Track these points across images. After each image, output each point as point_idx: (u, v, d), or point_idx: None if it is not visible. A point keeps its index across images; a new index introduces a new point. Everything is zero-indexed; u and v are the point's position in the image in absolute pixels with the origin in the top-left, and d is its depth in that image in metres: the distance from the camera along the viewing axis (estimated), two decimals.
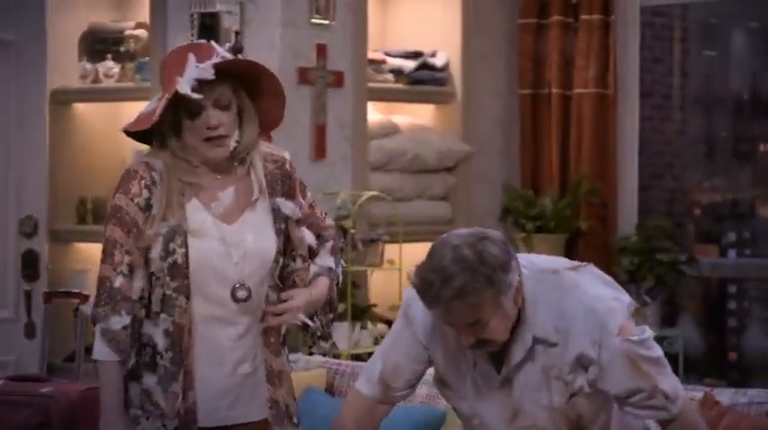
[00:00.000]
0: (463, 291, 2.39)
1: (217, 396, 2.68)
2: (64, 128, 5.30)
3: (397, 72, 5.39)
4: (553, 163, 5.46)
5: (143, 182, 2.67)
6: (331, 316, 2.83)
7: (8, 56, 5.03)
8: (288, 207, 2.71)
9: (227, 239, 2.66)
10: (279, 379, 2.71)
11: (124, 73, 5.25)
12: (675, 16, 6.64)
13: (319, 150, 4.94)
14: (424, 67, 5.43)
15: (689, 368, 5.35)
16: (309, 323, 2.72)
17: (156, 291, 2.64)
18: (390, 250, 5.00)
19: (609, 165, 5.41)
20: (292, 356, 2.97)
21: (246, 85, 2.68)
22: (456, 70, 5.48)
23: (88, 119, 5.40)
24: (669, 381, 2.53)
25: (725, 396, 3.30)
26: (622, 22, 5.42)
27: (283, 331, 2.75)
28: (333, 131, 4.99)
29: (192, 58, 2.61)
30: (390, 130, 5.31)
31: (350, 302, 4.75)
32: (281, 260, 2.69)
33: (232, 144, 2.66)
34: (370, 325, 4.94)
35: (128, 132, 2.75)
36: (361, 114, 5.10)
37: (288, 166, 2.74)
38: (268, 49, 4.80)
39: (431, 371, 2.63)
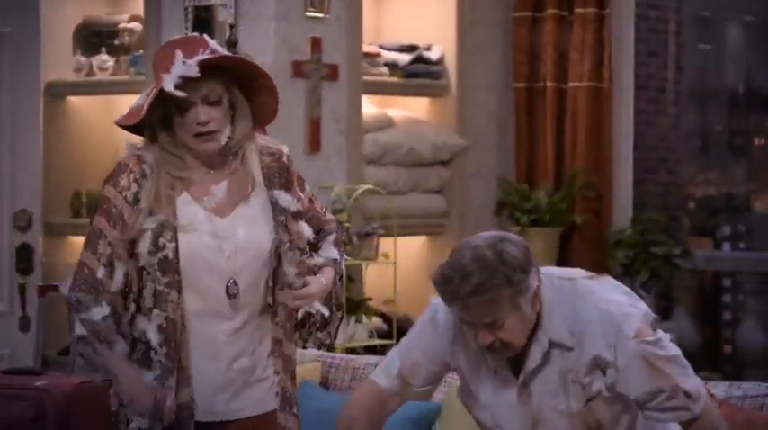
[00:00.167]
0: (481, 288, 2.43)
1: (214, 391, 2.67)
2: (58, 121, 5.29)
3: (392, 65, 5.38)
4: (548, 156, 5.46)
5: (132, 175, 2.67)
6: (339, 314, 2.82)
7: (2, 49, 5.02)
8: (285, 199, 2.70)
9: (219, 233, 2.65)
10: (289, 364, 2.70)
11: (118, 66, 5.24)
12: (670, 9, 6.64)
13: (314, 144, 4.94)
14: (419, 60, 5.43)
15: None
16: (324, 312, 2.71)
17: (147, 286, 2.64)
18: (385, 244, 5.00)
19: (604, 158, 5.41)
20: None
21: (240, 80, 2.67)
22: (451, 64, 5.48)
23: (82, 112, 5.39)
24: (690, 380, 2.54)
25: (719, 389, 3.30)
26: (617, 16, 5.42)
27: (299, 317, 2.73)
28: (327, 125, 4.99)
29: (179, 54, 2.61)
30: (385, 124, 5.31)
31: (344, 296, 4.75)
32: (285, 252, 2.67)
33: (223, 139, 2.65)
34: (364, 318, 4.94)
35: (121, 125, 2.74)
36: (356, 108, 5.10)
37: (285, 159, 2.73)
38: (263, 42, 4.79)
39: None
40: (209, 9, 4.82)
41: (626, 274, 5.30)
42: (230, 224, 2.66)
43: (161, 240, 2.63)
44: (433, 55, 5.46)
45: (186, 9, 4.84)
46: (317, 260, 2.73)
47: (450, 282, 2.45)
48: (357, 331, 4.87)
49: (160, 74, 2.61)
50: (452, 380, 3.42)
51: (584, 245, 5.34)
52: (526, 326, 2.51)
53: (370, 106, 5.29)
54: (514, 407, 2.57)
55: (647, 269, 5.26)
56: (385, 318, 5.08)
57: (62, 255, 5.23)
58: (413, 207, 5.31)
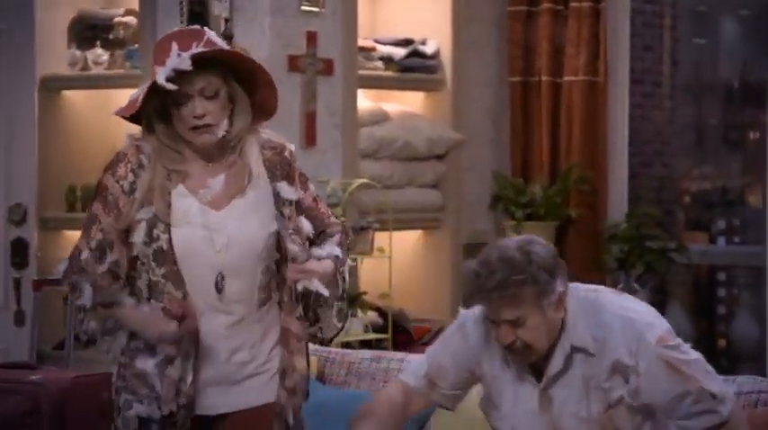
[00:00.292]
0: (505, 284, 2.50)
1: (212, 382, 2.68)
2: (53, 115, 5.29)
3: (388, 60, 5.38)
4: (543, 150, 5.46)
5: (129, 165, 2.68)
6: (339, 317, 2.78)
7: None
8: (286, 190, 2.69)
9: (212, 226, 2.65)
10: (294, 341, 2.69)
11: (113, 60, 5.23)
12: (666, 3, 6.64)
13: (309, 138, 4.93)
14: (415, 54, 5.42)
15: None
16: (323, 291, 2.68)
17: (142, 276, 2.65)
18: (380, 238, 5.00)
19: (599, 152, 5.41)
20: None
21: (240, 74, 2.67)
22: (446, 58, 5.47)
23: (77, 106, 5.38)
24: (715, 382, 2.57)
25: None
26: (612, 10, 5.42)
27: (299, 289, 2.70)
28: (323, 119, 4.98)
29: (174, 46, 2.61)
30: (380, 118, 5.31)
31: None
32: (287, 235, 2.66)
33: (220, 132, 2.65)
34: (360, 313, 4.94)
35: (121, 115, 2.74)
36: (352, 102, 5.09)
37: (287, 154, 2.72)
38: (258, 36, 4.79)
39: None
40: (204, 3, 4.82)
41: (621, 269, 5.30)
42: (224, 217, 2.66)
43: (155, 231, 2.63)
44: (428, 49, 5.46)
45: (181, 3, 4.83)
46: (319, 252, 2.70)
47: (476, 277, 2.52)
48: (352, 325, 4.87)
49: (156, 66, 2.62)
50: None
51: (579, 239, 5.34)
52: (549, 329, 2.55)
53: (366, 100, 5.29)
54: (535, 414, 2.60)
55: (641, 263, 5.27)
56: (380, 312, 5.08)
57: (57, 250, 5.22)
58: (408, 201, 5.32)
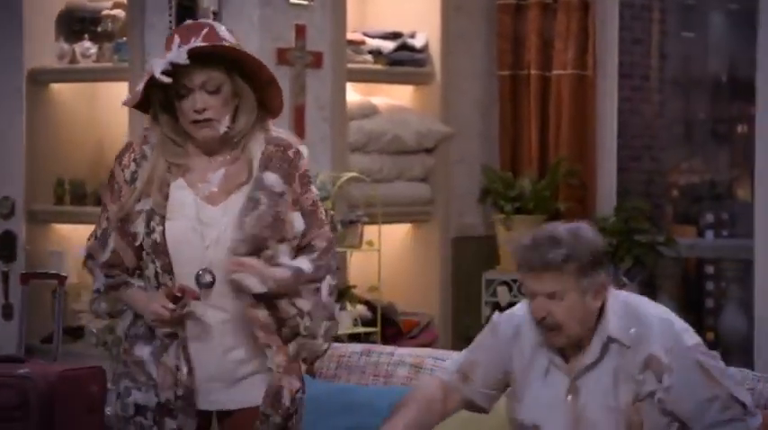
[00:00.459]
0: (550, 257, 2.59)
1: (209, 378, 2.69)
2: (41, 108, 5.27)
3: (376, 53, 5.37)
4: (532, 144, 5.46)
5: (133, 155, 2.70)
6: (325, 321, 2.75)
7: None
8: (270, 178, 2.66)
9: (205, 221, 2.65)
10: (263, 333, 2.66)
11: (102, 53, 5.21)
12: None
13: (298, 131, 4.93)
14: (404, 47, 5.42)
15: None
16: (256, 288, 2.63)
17: (148, 266, 2.67)
18: (369, 231, 5.00)
19: (588, 146, 5.42)
20: None
21: (245, 71, 2.66)
22: (435, 51, 5.47)
23: (66, 99, 5.37)
24: (745, 393, 2.62)
25: None
26: (601, 3, 5.42)
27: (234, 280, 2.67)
28: (312, 112, 4.98)
29: (176, 39, 2.62)
30: (369, 111, 5.30)
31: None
32: (250, 214, 2.64)
33: (221, 128, 2.65)
34: (349, 306, 4.94)
35: (129, 106, 2.76)
36: (340, 95, 5.09)
37: (291, 153, 2.69)
38: (246, 29, 4.77)
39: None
40: None
41: (609, 262, 5.31)
42: (219, 213, 2.66)
43: (152, 223, 2.65)
44: (417, 42, 5.46)
45: None
46: (282, 259, 2.65)
47: (523, 249, 2.61)
48: (342, 319, 4.87)
49: (159, 58, 2.64)
50: (436, 367, 3.43)
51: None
52: (583, 314, 2.60)
53: (355, 94, 5.29)
54: (560, 404, 2.63)
55: (630, 257, 5.27)
56: (369, 305, 5.08)
57: (45, 243, 5.22)
58: (397, 194, 5.31)
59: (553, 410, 2.63)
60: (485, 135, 5.59)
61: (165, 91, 2.64)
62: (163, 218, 2.64)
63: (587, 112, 5.40)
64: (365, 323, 4.98)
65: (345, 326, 4.85)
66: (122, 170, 2.68)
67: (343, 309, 4.91)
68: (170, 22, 4.80)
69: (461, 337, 5.21)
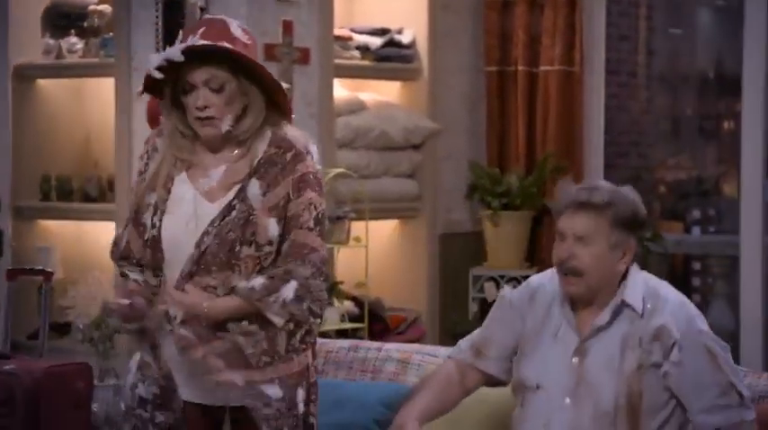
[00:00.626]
0: (593, 196, 2.69)
1: (187, 373, 2.68)
2: (27, 104, 5.25)
3: (364, 49, 5.37)
4: (519, 140, 5.47)
5: (147, 146, 2.74)
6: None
7: None
8: (254, 189, 2.65)
9: (200, 217, 2.66)
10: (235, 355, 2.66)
11: (88, 49, 5.20)
12: None
13: None
14: (391, 43, 5.41)
15: None
16: (162, 325, 2.65)
17: (157, 257, 2.69)
18: (357, 227, 5.00)
19: (575, 142, 5.42)
20: None
21: (251, 72, 2.66)
22: (422, 47, 5.47)
23: (52, 95, 5.35)
24: (744, 388, 2.65)
25: None
26: (588, 0, 5.42)
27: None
28: (299, 108, 4.97)
29: (180, 35, 2.62)
30: (357, 107, 5.30)
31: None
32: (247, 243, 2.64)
33: (224, 126, 2.65)
34: (336, 302, 4.94)
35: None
36: (328, 91, 5.08)
37: (288, 156, 2.67)
38: None
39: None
40: None
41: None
42: (214, 209, 2.66)
43: (155, 218, 2.67)
44: (404, 38, 5.46)
45: None
46: (242, 283, 2.61)
47: (570, 189, 2.74)
48: (329, 315, 4.87)
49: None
50: (424, 363, 3.44)
51: (555, 229, 5.35)
52: (606, 268, 2.66)
53: (342, 90, 5.28)
54: (565, 365, 2.68)
55: None
56: (356, 301, 5.08)
57: (31, 239, 5.20)
58: (384, 190, 5.31)
59: (557, 371, 2.66)
60: (472, 131, 5.59)
61: (174, 85, 2.65)
62: (163, 212, 2.66)
63: (574, 108, 5.40)
64: (352, 319, 4.98)
65: (333, 322, 4.84)
66: (140, 161, 2.73)
67: (330, 304, 4.90)
68: (156, 17, 4.79)
69: (449, 333, 5.21)
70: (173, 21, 4.75)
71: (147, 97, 4.02)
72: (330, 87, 5.10)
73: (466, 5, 5.56)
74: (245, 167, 2.67)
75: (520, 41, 5.44)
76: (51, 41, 5.24)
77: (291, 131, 2.74)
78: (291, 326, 2.64)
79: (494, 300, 5.20)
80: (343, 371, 3.52)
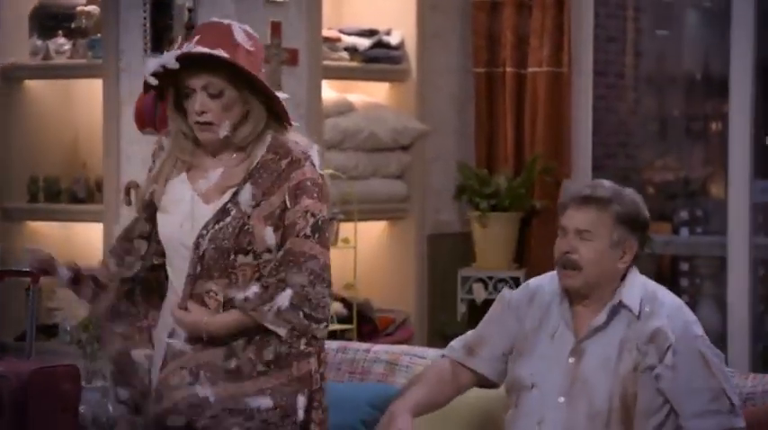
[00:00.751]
0: (597, 191, 2.70)
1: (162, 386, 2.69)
2: (15, 105, 5.24)
3: (352, 50, 5.37)
4: (508, 141, 5.47)
5: (156, 146, 2.77)
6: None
7: None
8: (246, 195, 2.64)
9: (197, 217, 2.67)
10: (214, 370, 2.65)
11: (76, 50, 5.19)
12: None
13: None
14: (379, 45, 5.42)
15: None
16: (174, 344, 2.65)
17: (151, 250, 2.76)
18: (345, 229, 4.99)
19: (563, 143, 5.43)
20: None
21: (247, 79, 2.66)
22: (411, 48, 5.47)
23: (39, 96, 5.34)
24: (736, 395, 2.66)
25: None
26: (576, 1, 5.43)
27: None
28: (288, 110, 4.96)
29: (178, 40, 2.67)
30: (345, 109, 5.30)
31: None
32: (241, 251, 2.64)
33: (222, 132, 2.65)
34: None
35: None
36: (316, 92, 5.08)
37: (284, 163, 2.65)
38: None
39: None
40: None
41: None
42: (209, 211, 2.66)
43: (155, 214, 2.72)
44: (392, 39, 5.46)
45: None
46: (238, 295, 2.61)
47: (575, 185, 2.83)
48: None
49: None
50: (412, 364, 3.44)
51: (543, 230, 5.36)
52: (606, 266, 2.67)
53: (330, 91, 5.28)
54: (561, 363, 2.68)
55: None
56: (345, 302, 5.08)
57: (19, 240, 5.19)
58: (373, 192, 5.31)
59: (553, 370, 2.67)
60: (460, 132, 5.60)
61: (177, 88, 2.67)
62: (162, 210, 2.70)
63: (562, 110, 5.41)
64: (341, 320, 4.98)
65: None
66: (151, 159, 2.77)
67: None
68: (144, 18, 4.78)
69: (437, 334, 5.21)
70: (161, 22, 4.75)
71: (135, 98, 4.03)
72: (318, 88, 5.10)
73: (454, 7, 5.57)
74: (242, 172, 2.67)
75: (508, 43, 5.45)
76: (39, 42, 5.23)
77: (293, 137, 2.73)
78: (296, 335, 2.61)
79: (483, 301, 5.25)
80: (331, 372, 3.50)
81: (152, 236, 2.73)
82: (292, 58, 4.96)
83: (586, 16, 5.50)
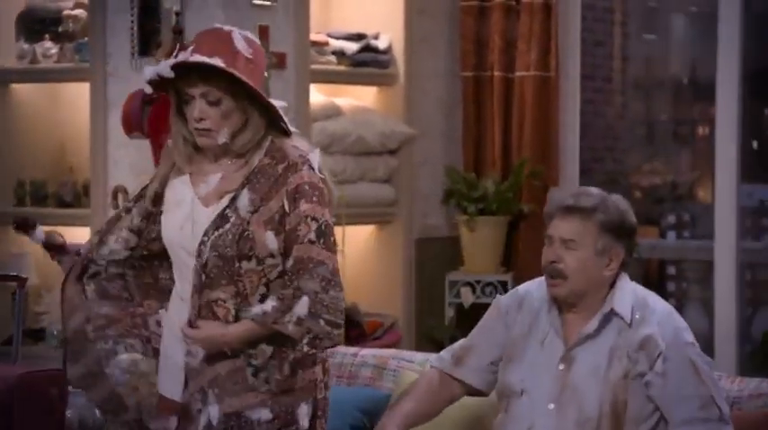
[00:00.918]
0: (581, 200, 2.70)
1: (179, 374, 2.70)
2: (1, 109, 5.23)
3: (340, 54, 5.37)
4: (495, 145, 5.48)
5: (168, 146, 2.78)
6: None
7: None
8: (244, 200, 2.64)
9: (197, 219, 2.68)
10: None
11: (63, 53, 5.18)
12: None
13: None
14: (367, 49, 5.42)
15: None
16: (189, 361, 2.65)
17: (151, 248, 2.80)
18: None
19: (550, 147, 5.43)
20: None
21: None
22: (398, 52, 5.47)
23: (26, 100, 5.32)
24: (724, 404, 2.66)
25: None
26: (564, 5, 5.44)
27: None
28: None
29: (177, 47, 2.69)
30: (333, 113, 5.30)
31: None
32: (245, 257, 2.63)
33: (220, 139, 2.65)
34: None
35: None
36: (304, 96, 5.08)
37: (281, 168, 2.64)
38: None
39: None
40: None
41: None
42: (207, 215, 2.66)
43: (159, 217, 2.73)
44: (380, 44, 5.46)
45: None
46: (254, 311, 2.60)
47: (560, 194, 2.77)
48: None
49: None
50: (400, 368, 3.44)
51: (531, 234, 5.36)
52: (592, 274, 2.67)
53: (318, 95, 5.28)
54: (551, 372, 2.68)
55: None
56: None
57: (6, 245, 5.17)
58: (361, 196, 5.31)
59: (543, 377, 2.67)
60: (448, 136, 5.60)
61: (178, 93, 2.67)
62: (164, 212, 2.71)
63: (550, 114, 5.42)
64: None
65: None
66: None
67: None
68: (132, 22, 4.77)
69: (425, 338, 5.21)
70: (148, 26, 4.74)
71: (122, 102, 4.05)
72: (306, 92, 5.09)
73: (442, 11, 5.57)
74: (240, 178, 2.67)
75: (496, 47, 5.46)
76: (26, 46, 5.22)
77: (293, 142, 2.72)
78: (313, 343, 2.60)
79: (471, 305, 5.25)
80: None
81: (143, 233, 2.74)
82: (280, 61, 4.96)
83: (574, 21, 5.51)
